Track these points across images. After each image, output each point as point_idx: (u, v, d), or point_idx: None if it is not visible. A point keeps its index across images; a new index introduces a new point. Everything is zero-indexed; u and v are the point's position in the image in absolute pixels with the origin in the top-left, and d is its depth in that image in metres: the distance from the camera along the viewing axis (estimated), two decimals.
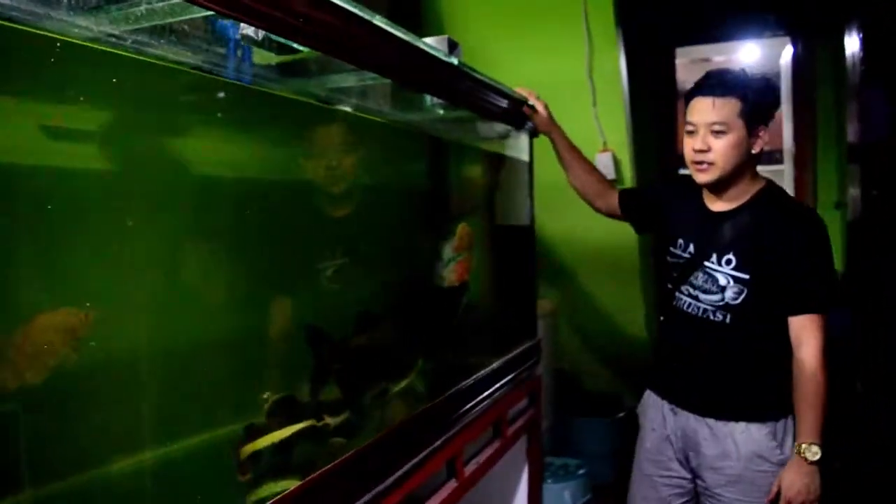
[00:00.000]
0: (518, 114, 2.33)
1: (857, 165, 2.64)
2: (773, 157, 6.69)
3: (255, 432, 1.34)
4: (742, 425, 1.97)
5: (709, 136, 1.89)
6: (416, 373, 1.85)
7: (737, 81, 1.89)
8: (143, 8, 1.06)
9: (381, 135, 1.98)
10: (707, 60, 7.04)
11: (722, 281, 1.95)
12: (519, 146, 2.53)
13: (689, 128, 1.94)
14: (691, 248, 2.04)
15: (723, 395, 2.01)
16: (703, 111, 1.90)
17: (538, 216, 3.65)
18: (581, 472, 3.10)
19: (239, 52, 1.52)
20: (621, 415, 3.63)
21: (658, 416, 2.15)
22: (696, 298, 2.02)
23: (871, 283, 3.26)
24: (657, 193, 2.27)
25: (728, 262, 1.94)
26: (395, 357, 1.87)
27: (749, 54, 6.34)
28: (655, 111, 5.04)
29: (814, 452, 1.85)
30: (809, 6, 4.43)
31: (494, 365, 2.16)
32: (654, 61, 4.93)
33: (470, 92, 2.00)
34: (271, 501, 1.13)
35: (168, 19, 1.13)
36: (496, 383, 2.15)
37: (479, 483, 2.06)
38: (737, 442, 1.97)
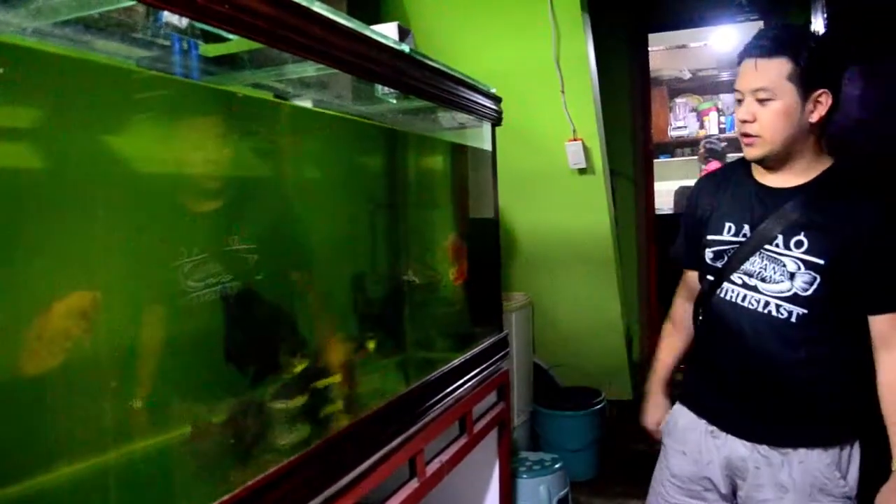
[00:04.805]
0: (477, 102, 2.28)
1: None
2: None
3: None
4: (801, 452, 1.65)
5: (754, 104, 1.61)
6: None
7: (787, 38, 1.58)
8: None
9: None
10: (684, 47, 7.02)
11: (791, 266, 1.62)
12: (480, 135, 2.47)
13: (737, 96, 1.66)
14: (746, 230, 1.70)
15: (782, 416, 1.67)
16: (747, 75, 1.62)
17: (507, 207, 3.64)
18: (557, 466, 3.05)
19: (184, 45, 1.47)
20: (597, 407, 3.59)
21: (693, 438, 1.81)
22: (753, 289, 1.67)
23: None
24: (696, 201, 1.89)
25: (798, 244, 1.62)
26: None
27: (724, 40, 6.32)
28: (630, 99, 5.01)
29: None
30: None
31: (457, 361, 2.11)
32: (627, 47, 4.89)
33: (424, 80, 1.95)
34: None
35: (78, 12, 1.07)
36: (460, 379, 2.10)
37: (449, 480, 2.02)
38: (794, 473, 1.65)
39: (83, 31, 1.09)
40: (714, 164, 6.52)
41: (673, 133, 7.19)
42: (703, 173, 6.50)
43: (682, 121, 7.22)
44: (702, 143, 6.69)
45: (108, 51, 1.18)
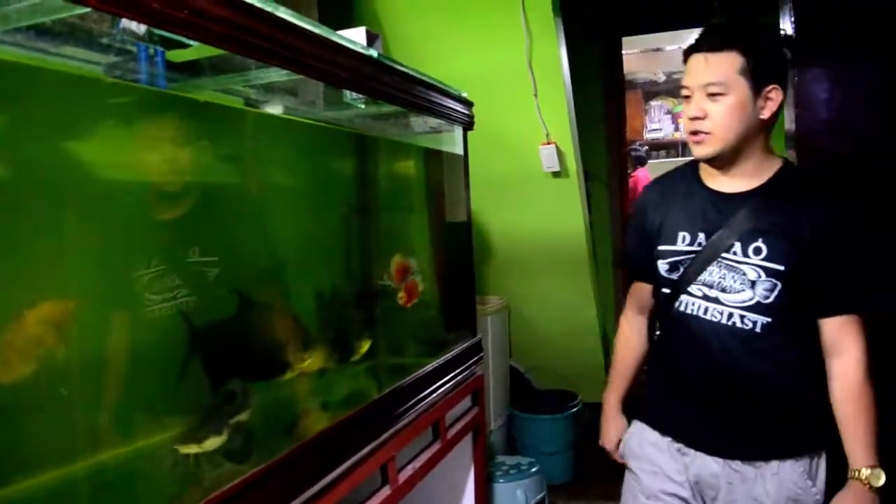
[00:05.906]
0: (448, 107, 2.27)
1: (794, 152, 2.63)
2: None
3: None
4: (774, 465, 1.60)
5: (704, 99, 1.54)
6: None
7: (737, 32, 1.53)
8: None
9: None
10: (659, 50, 7.07)
11: (751, 274, 1.56)
12: (453, 140, 2.47)
13: (685, 92, 1.59)
14: (700, 238, 1.63)
15: (752, 429, 1.61)
16: (697, 70, 1.55)
17: (482, 211, 3.64)
18: (534, 469, 3.05)
19: (152, 52, 1.45)
20: (574, 410, 3.58)
21: (661, 457, 1.73)
22: (715, 301, 1.60)
23: None
24: (644, 211, 1.80)
25: (757, 251, 1.56)
26: None
27: None
28: (604, 102, 5.03)
29: (877, 476, 1.52)
30: None
31: (429, 366, 2.10)
32: (600, 51, 4.92)
33: (393, 85, 1.94)
34: None
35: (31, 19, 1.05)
36: (432, 384, 2.09)
37: (424, 486, 2.01)
38: (769, 486, 1.60)
39: (35, 38, 1.07)
40: (642, 171, 6.56)
41: (648, 135, 7.25)
42: (630, 181, 6.56)
43: (657, 123, 7.28)
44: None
45: (64, 56, 1.16)
